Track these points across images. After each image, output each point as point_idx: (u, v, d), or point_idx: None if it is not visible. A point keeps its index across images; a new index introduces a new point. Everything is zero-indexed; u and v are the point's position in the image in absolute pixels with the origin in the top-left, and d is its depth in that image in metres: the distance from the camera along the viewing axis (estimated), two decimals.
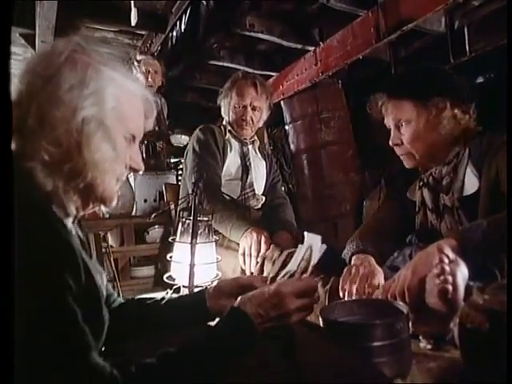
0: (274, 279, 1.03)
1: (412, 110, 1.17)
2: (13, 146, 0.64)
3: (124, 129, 0.74)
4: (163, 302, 0.92)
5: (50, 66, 0.67)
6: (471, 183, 1.13)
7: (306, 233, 1.03)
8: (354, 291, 1.05)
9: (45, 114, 0.65)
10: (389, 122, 1.24)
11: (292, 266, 0.96)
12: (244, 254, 1.50)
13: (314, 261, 0.94)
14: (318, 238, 1.01)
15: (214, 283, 0.98)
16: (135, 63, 2.85)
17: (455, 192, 1.15)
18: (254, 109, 1.85)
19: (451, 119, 1.14)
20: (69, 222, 0.73)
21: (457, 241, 0.92)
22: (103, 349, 0.74)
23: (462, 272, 0.82)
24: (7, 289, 0.50)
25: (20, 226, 0.52)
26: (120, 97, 0.73)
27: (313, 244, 0.99)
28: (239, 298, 0.74)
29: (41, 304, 0.55)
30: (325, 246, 0.99)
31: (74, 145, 0.66)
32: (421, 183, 1.25)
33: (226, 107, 1.90)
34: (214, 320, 0.88)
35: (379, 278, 1.09)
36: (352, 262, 1.19)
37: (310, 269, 0.92)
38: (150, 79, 2.84)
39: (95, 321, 0.67)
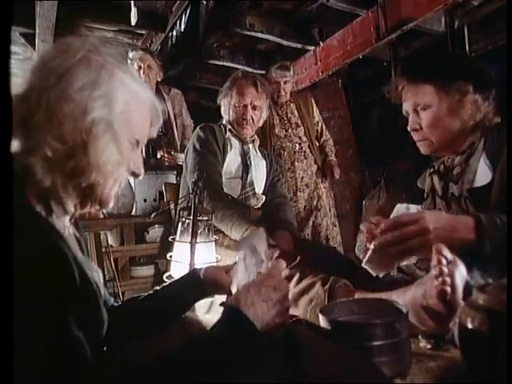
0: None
1: (433, 94, 1.15)
2: (15, 143, 0.64)
3: (130, 133, 0.74)
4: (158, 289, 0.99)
5: (65, 64, 0.67)
6: (484, 175, 1.11)
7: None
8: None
9: (54, 111, 0.65)
10: (407, 106, 1.22)
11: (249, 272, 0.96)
12: None
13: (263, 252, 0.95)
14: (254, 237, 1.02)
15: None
16: (129, 62, 2.74)
17: (465, 182, 1.13)
18: (254, 108, 1.85)
19: (473, 104, 1.12)
20: (66, 220, 0.73)
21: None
22: (105, 348, 0.74)
23: (461, 272, 0.82)
24: (7, 295, 0.49)
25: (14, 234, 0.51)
26: (129, 101, 0.73)
27: (248, 248, 0.98)
28: (232, 296, 0.72)
29: (33, 314, 0.54)
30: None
31: (79, 144, 0.66)
32: (431, 170, 1.24)
33: (227, 106, 1.90)
34: (210, 293, 0.99)
35: None
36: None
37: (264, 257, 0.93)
38: (142, 75, 2.70)
39: (93, 320, 0.67)
